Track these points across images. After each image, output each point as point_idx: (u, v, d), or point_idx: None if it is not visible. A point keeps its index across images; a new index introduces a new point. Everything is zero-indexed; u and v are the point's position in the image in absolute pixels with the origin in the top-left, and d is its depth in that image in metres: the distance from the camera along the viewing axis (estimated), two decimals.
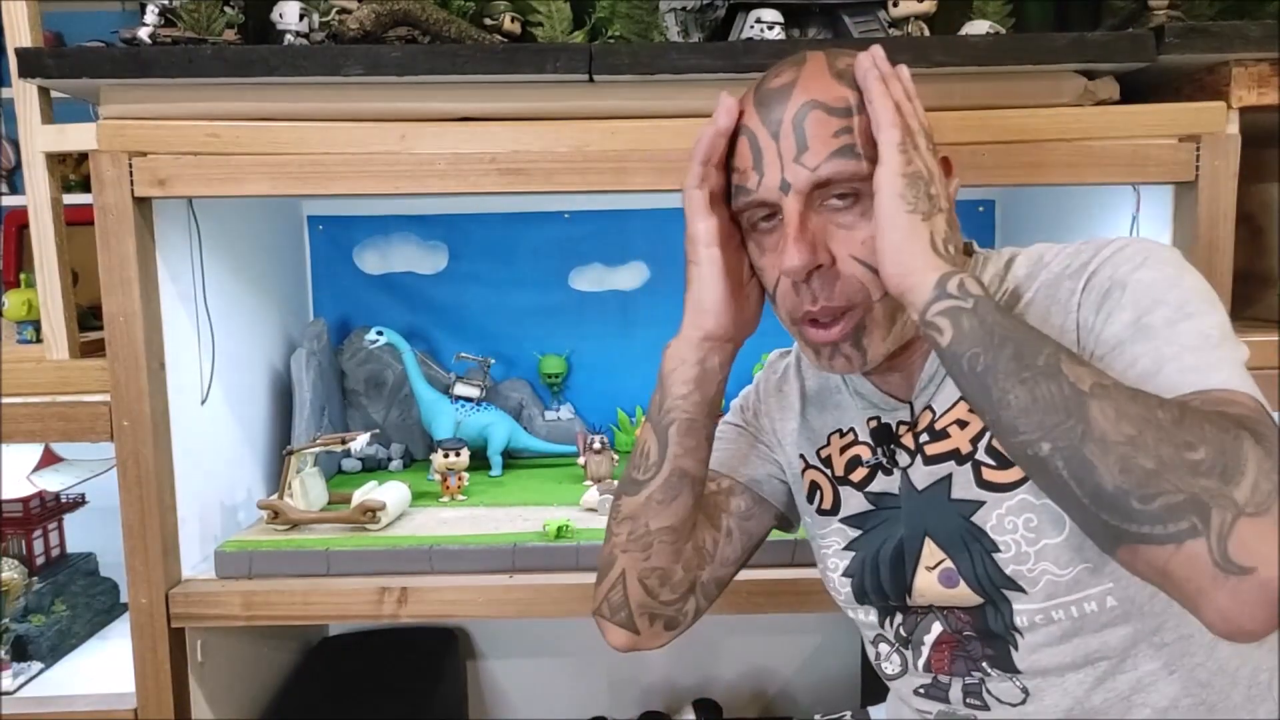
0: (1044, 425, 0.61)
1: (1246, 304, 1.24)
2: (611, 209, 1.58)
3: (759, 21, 1.08)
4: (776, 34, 1.07)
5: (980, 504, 0.76)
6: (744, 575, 1.02)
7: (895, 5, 1.08)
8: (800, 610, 1.03)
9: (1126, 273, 0.70)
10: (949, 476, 0.78)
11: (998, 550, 0.75)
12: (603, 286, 1.61)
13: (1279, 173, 1.27)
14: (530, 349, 1.62)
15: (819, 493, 0.87)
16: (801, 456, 0.90)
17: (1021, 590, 0.74)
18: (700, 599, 0.89)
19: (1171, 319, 0.67)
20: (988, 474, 0.76)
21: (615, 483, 1.27)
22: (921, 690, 0.82)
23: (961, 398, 0.77)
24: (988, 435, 0.76)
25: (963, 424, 0.78)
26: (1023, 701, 0.77)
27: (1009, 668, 0.77)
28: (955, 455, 0.78)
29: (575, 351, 1.63)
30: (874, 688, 1.47)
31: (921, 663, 0.81)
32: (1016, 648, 0.76)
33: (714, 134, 0.76)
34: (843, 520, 0.85)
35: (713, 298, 0.79)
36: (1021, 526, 0.74)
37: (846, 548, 0.84)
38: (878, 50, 0.73)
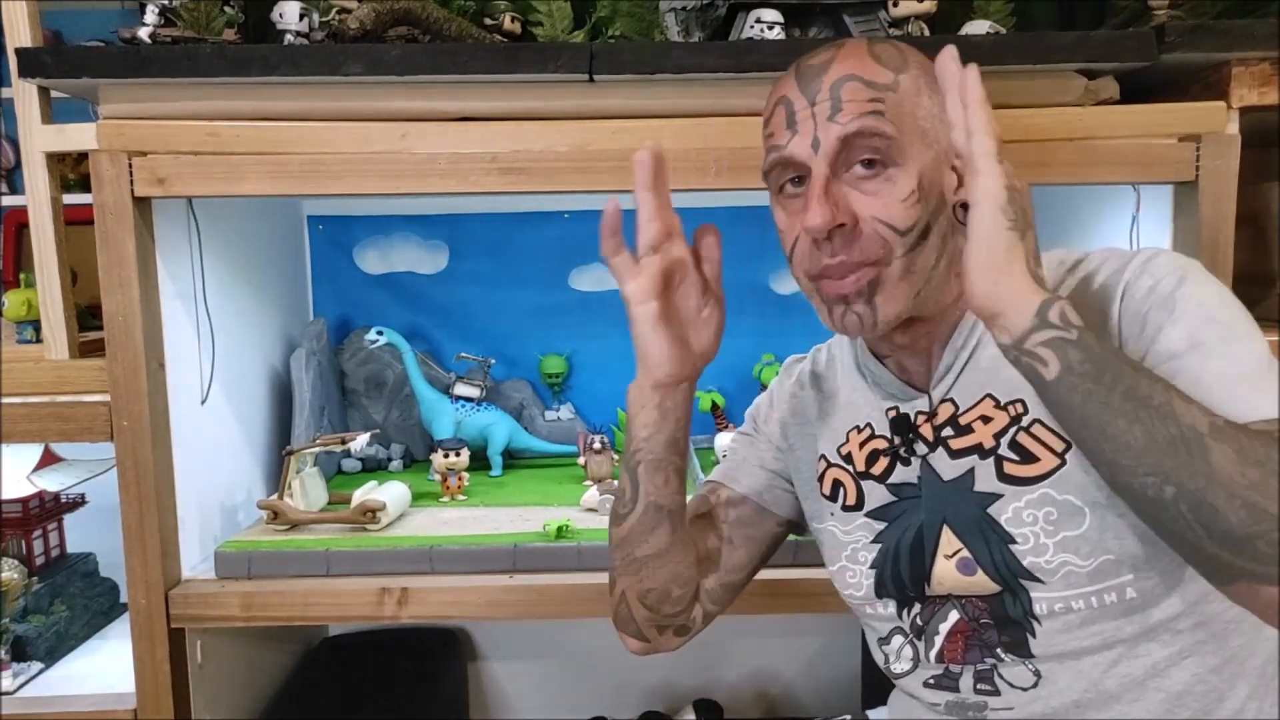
0: (1163, 468, 0.61)
1: (1247, 304, 1.22)
2: None
3: (759, 21, 1.08)
4: (777, 34, 1.07)
5: (998, 496, 0.77)
6: None
7: (896, 5, 1.08)
8: (802, 611, 1.03)
9: (1170, 286, 0.71)
10: (973, 470, 0.79)
11: (1014, 542, 0.76)
12: (603, 286, 1.61)
13: (1279, 172, 1.27)
14: (531, 349, 1.62)
15: (842, 489, 0.88)
16: (823, 457, 0.91)
17: (1039, 580, 0.75)
18: (708, 605, 0.92)
19: (1226, 338, 0.69)
20: (1010, 468, 0.77)
21: (616, 483, 1.27)
22: (931, 681, 0.83)
23: (987, 395, 0.79)
24: (1012, 431, 0.77)
25: (986, 419, 0.79)
26: (1035, 685, 0.77)
27: (1024, 653, 0.77)
28: (979, 450, 0.78)
29: (576, 351, 1.63)
30: (875, 690, 1.47)
31: (934, 653, 0.82)
32: (1034, 635, 0.76)
33: (613, 210, 0.78)
34: (868, 514, 0.86)
35: (655, 350, 0.80)
36: (1041, 519, 0.75)
37: (874, 540, 0.85)
38: (953, 50, 0.71)
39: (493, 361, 1.55)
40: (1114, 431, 0.63)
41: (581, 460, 1.41)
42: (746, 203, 1.56)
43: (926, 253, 0.76)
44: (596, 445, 1.38)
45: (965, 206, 0.78)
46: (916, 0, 1.08)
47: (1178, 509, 0.61)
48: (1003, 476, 0.77)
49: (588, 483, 1.38)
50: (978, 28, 1.11)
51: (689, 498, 0.93)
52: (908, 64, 0.77)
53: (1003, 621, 0.78)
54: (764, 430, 0.97)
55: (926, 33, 1.11)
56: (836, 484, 0.89)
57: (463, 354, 1.55)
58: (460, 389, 1.50)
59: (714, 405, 1.56)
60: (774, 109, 0.78)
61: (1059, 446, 0.75)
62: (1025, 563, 0.75)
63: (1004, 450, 0.77)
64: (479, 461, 1.45)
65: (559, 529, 1.16)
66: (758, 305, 1.61)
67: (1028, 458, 0.76)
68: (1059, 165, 1.06)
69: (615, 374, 1.62)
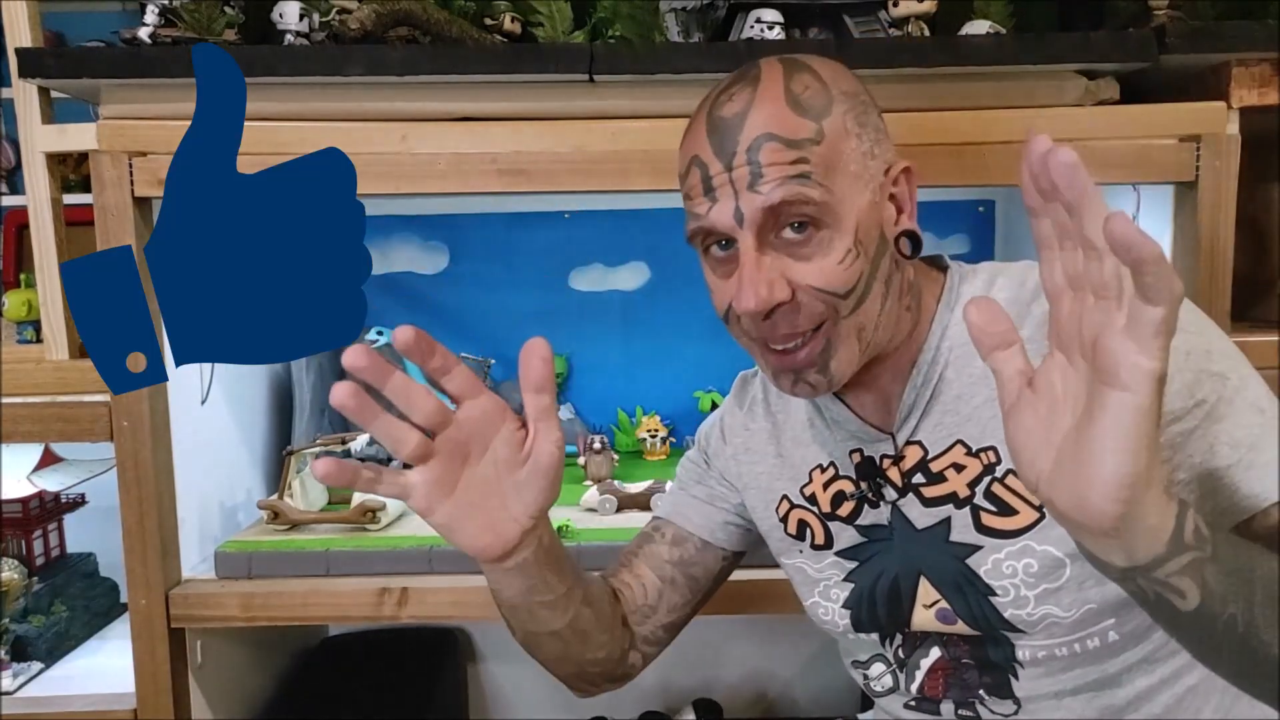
0: None
1: (1247, 305, 1.24)
2: (612, 209, 1.58)
3: (759, 22, 1.08)
4: (777, 34, 1.07)
5: (977, 548, 0.74)
6: (744, 576, 1.02)
7: (896, 5, 1.08)
8: (801, 612, 1.02)
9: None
10: (948, 519, 0.76)
11: (994, 594, 0.74)
12: (603, 287, 1.61)
13: (1279, 173, 1.27)
14: None
15: (809, 530, 0.85)
16: (785, 497, 0.87)
17: (1021, 631, 0.73)
18: (645, 649, 0.89)
19: (1228, 396, 0.66)
20: (987, 519, 0.74)
21: (616, 483, 1.27)
22: (912, 704, 0.82)
23: (957, 441, 0.75)
24: (986, 480, 0.74)
25: (959, 468, 0.76)
26: (1015, 713, 0.76)
27: (1006, 694, 0.76)
28: (954, 499, 0.76)
29: (575, 352, 1.63)
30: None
31: (915, 686, 0.80)
32: (1017, 678, 0.75)
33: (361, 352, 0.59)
34: (838, 554, 0.83)
35: (473, 542, 0.69)
36: (1021, 571, 0.72)
37: (846, 579, 0.82)
38: (1044, 141, 0.50)
39: (492, 362, 1.55)
40: (1264, 651, 0.54)
41: (581, 460, 1.41)
42: None
43: (871, 303, 0.71)
44: (596, 445, 1.38)
45: (910, 236, 0.73)
46: (916, 1, 1.08)
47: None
48: (980, 528, 0.74)
49: (588, 483, 1.38)
50: (978, 28, 1.11)
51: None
52: (831, 102, 0.70)
53: (984, 664, 0.76)
54: (715, 465, 0.93)
55: (927, 33, 1.11)
56: (802, 524, 0.85)
57: (463, 354, 1.55)
58: None
59: (714, 405, 1.56)
60: (688, 167, 0.73)
61: (1037, 500, 0.72)
62: (1006, 615, 0.73)
63: (980, 500, 0.75)
64: None
65: (559, 529, 1.16)
66: None
67: (1005, 510, 0.73)
68: None
69: (615, 374, 1.62)
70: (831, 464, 0.84)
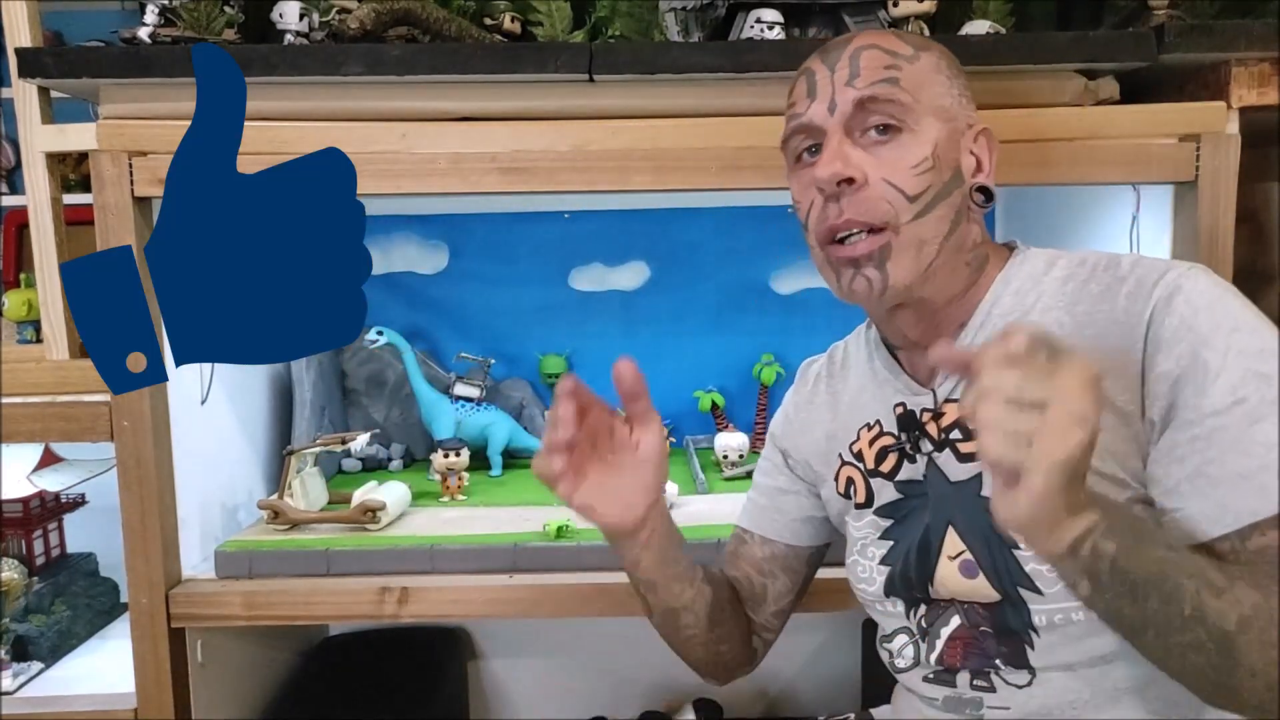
0: (1193, 666, 0.63)
1: None
2: (612, 209, 1.58)
3: (759, 21, 1.08)
4: (776, 34, 1.07)
5: None
6: None
7: (895, 5, 1.08)
8: (802, 610, 1.03)
9: (1206, 328, 0.69)
10: (980, 475, 0.79)
11: (1017, 547, 0.75)
12: (603, 286, 1.61)
13: (1279, 172, 1.27)
14: (531, 349, 1.62)
15: (853, 487, 0.89)
16: (839, 455, 0.91)
17: (1039, 592, 0.75)
18: (765, 635, 0.99)
19: (1270, 397, 0.67)
20: None
21: None
22: (930, 676, 0.83)
23: None
24: None
25: None
26: (1029, 683, 0.77)
27: (1022, 663, 0.77)
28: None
29: (575, 351, 1.63)
30: (875, 689, 1.47)
31: (935, 656, 0.82)
32: (1033, 646, 0.76)
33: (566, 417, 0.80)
34: (876, 512, 0.86)
35: (609, 518, 0.81)
36: None
37: (883, 536, 0.85)
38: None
39: (492, 361, 1.55)
40: (1143, 643, 0.65)
41: None
42: (746, 202, 1.56)
43: (934, 223, 0.76)
44: None
45: (984, 191, 0.80)
46: (916, 0, 1.08)
47: (1198, 686, 0.64)
48: None
49: None
50: (977, 28, 1.11)
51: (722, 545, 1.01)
52: (931, 48, 0.79)
53: (1002, 631, 0.78)
54: (786, 448, 0.98)
55: (927, 32, 1.11)
56: (850, 482, 0.89)
57: (463, 354, 1.55)
58: (460, 389, 1.50)
59: (714, 405, 1.56)
60: (798, 81, 0.81)
61: None
62: (1027, 569, 0.75)
63: None
64: (479, 461, 1.45)
65: (559, 529, 1.16)
66: (758, 305, 1.61)
67: None
68: (1059, 165, 1.06)
69: None
70: (878, 421, 0.87)
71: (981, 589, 0.78)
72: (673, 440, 1.57)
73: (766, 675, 1.69)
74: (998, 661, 0.79)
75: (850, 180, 0.75)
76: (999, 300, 0.81)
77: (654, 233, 1.59)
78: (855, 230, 0.76)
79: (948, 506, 0.80)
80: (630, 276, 1.61)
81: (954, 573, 0.79)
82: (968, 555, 0.79)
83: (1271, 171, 1.27)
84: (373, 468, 1.55)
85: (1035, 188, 1.35)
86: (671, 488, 1.24)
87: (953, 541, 0.80)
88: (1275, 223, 1.29)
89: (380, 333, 1.50)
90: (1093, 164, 1.06)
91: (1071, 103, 1.08)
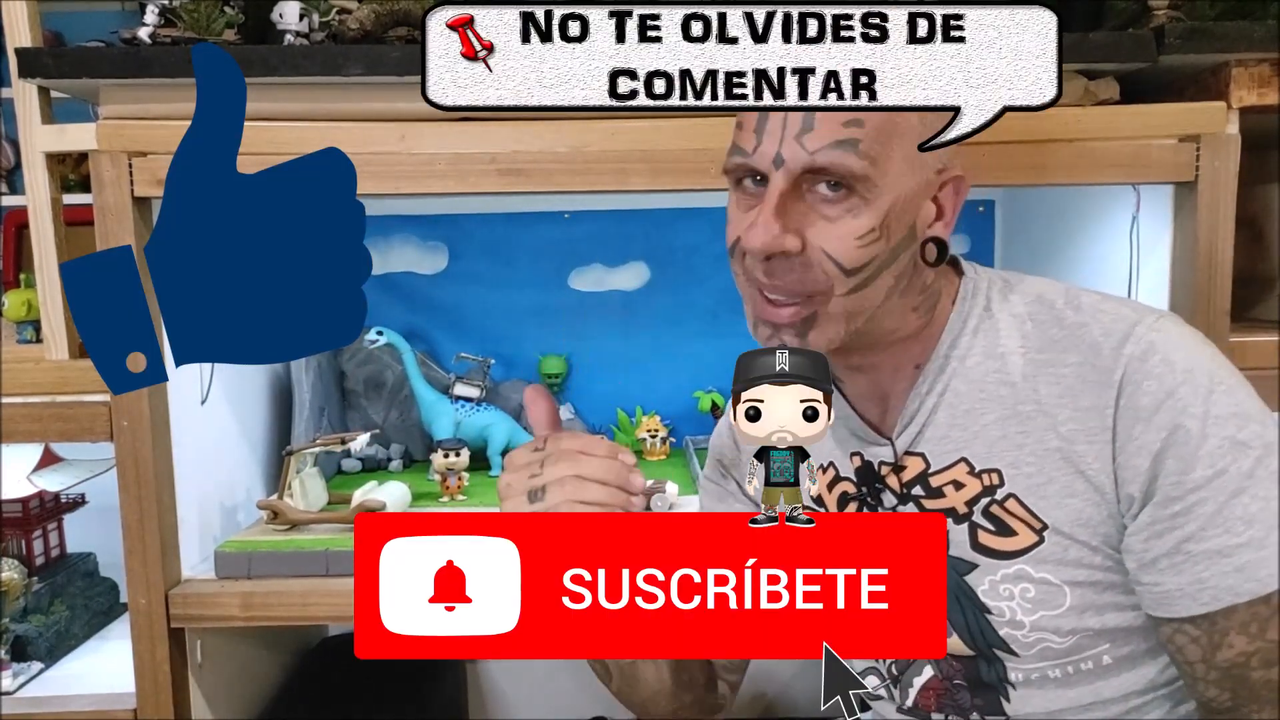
0: None
1: (1247, 305, 1.24)
2: (611, 209, 1.58)
3: None
4: None
5: (974, 566, 0.74)
6: None
7: None
8: None
9: (1187, 396, 0.66)
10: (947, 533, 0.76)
11: (989, 612, 0.73)
12: (603, 287, 1.61)
13: (1279, 174, 1.27)
14: (530, 349, 1.62)
15: None
16: None
17: (1013, 653, 0.73)
18: (728, 676, 0.92)
19: (1247, 469, 0.66)
20: (984, 538, 0.74)
21: None
22: (906, 709, 0.82)
23: (961, 458, 0.74)
24: (984, 500, 0.74)
25: (959, 485, 0.75)
26: None
27: (999, 713, 0.76)
28: (953, 513, 0.75)
29: (575, 352, 1.63)
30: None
31: (908, 703, 0.80)
32: (1009, 699, 0.75)
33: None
34: None
35: None
36: (1018, 595, 0.72)
37: None
38: None
39: (492, 362, 1.55)
40: None
41: None
42: None
43: (872, 293, 0.71)
44: None
45: (938, 244, 0.73)
46: None
47: None
48: (977, 546, 0.74)
49: None
50: None
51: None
52: None
53: (976, 684, 0.76)
54: (732, 474, 0.92)
55: None
56: None
57: (462, 354, 1.55)
58: (460, 389, 1.50)
59: (714, 405, 1.56)
60: None
61: (1037, 524, 0.72)
62: (1001, 633, 0.73)
63: (978, 518, 0.74)
64: (479, 462, 1.45)
65: None
66: None
67: (1004, 530, 0.73)
68: (1059, 166, 1.06)
69: (615, 374, 1.62)
70: (832, 464, 0.84)
71: (955, 645, 0.76)
72: (672, 440, 1.57)
73: (764, 676, 1.69)
74: (973, 716, 0.77)
75: (784, 252, 0.69)
76: (957, 340, 0.76)
77: (654, 233, 1.59)
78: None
79: None
80: (630, 277, 1.60)
81: None
82: None
83: (1271, 174, 1.27)
84: (372, 468, 1.55)
85: (1035, 189, 1.35)
86: (671, 488, 1.24)
87: None
88: (1275, 225, 1.29)
89: (380, 333, 1.50)
90: (1093, 165, 1.06)
91: (1072, 104, 1.08)
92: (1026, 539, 0.72)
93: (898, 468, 0.78)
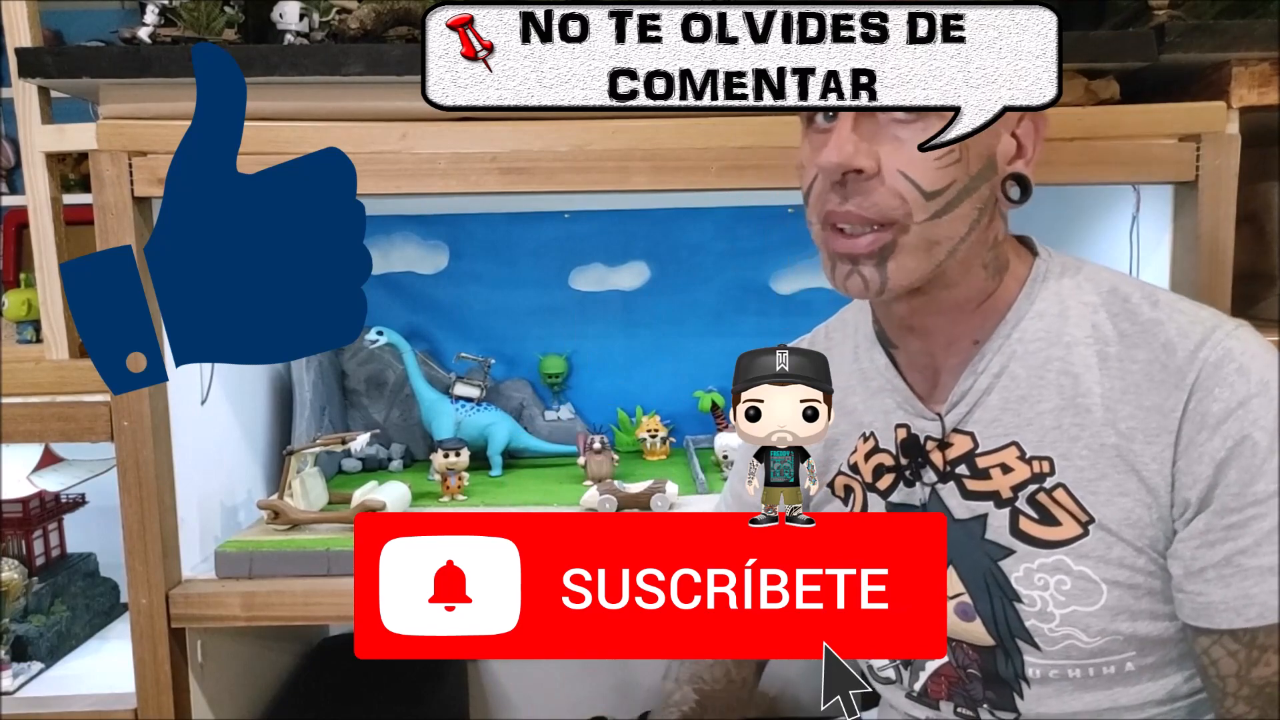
0: None
1: (1248, 304, 1.24)
2: (612, 209, 1.58)
3: None
4: None
5: (1010, 552, 0.73)
6: None
7: None
8: None
9: (1260, 409, 0.66)
10: (985, 516, 0.74)
11: (1019, 601, 0.72)
12: (603, 286, 1.61)
13: (1279, 172, 1.27)
14: (531, 349, 1.62)
15: (853, 496, 0.84)
16: (836, 467, 0.86)
17: (1036, 647, 0.72)
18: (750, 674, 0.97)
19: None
20: (1025, 525, 0.73)
21: (616, 483, 1.27)
22: (913, 695, 0.81)
23: (1012, 443, 0.73)
24: (1032, 487, 0.72)
25: (1006, 469, 0.74)
26: (1015, 718, 0.76)
27: (1009, 709, 0.75)
28: (995, 497, 0.74)
29: (576, 351, 1.63)
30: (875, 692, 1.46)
31: (919, 687, 0.80)
32: (1022, 696, 0.74)
33: None
34: None
35: None
36: (1053, 586, 0.71)
37: None
38: None
39: (493, 361, 1.55)
40: None
41: (581, 460, 1.41)
42: (747, 202, 1.56)
43: (951, 223, 0.68)
44: (596, 445, 1.38)
45: (1018, 180, 0.71)
46: None
47: None
48: (1016, 532, 0.73)
49: (588, 483, 1.37)
50: None
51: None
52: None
53: (991, 677, 0.75)
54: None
55: None
56: (849, 489, 0.85)
57: (463, 354, 1.55)
58: (460, 389, 1.50)
59: (714, 405, 1.56)
60: None
61: (1083, 517, 0.71)
62: (1027, 624, 0.72)
63: (1021, 504, 0.73)
64: (479, 461, 1.45)
65: None
66: (758, 305, 1.61)
67: (1048, 519, 0.72)
68: (1059, 165, 1.06)
69: (615, 374, 1.62)
70: (873, 434, 0.82)
71: (976, 633, 0.75)
72: (673, 440, 1.57)
73: (766, 676, 1.69)
74: (984, 707, 0.76)
75: (859, 170, 0.66)
76: (1021, 322, 0.75)
77: (655, 233, 1.59)
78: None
79: (951, 545, 0.74)
80: (631, 277, 1.60)
81: (949, 612, 0.76)
82: (965, 598, 0.75)
83: (1272, 172, 1.27)
84: (373, 468, 1.55)
85: (1035, 188, 1.34)
86: (671, 488, 1.24)
87: (952, 581, 0.76)
88: (1275, 224, 1.29)
89: (380, 333, 1.50)
90: (1093, 164, 1.06)
91: (1072, 103, 1.08)
92: (1070, 530, 0.71)
93: (944, 444, 0.76)
